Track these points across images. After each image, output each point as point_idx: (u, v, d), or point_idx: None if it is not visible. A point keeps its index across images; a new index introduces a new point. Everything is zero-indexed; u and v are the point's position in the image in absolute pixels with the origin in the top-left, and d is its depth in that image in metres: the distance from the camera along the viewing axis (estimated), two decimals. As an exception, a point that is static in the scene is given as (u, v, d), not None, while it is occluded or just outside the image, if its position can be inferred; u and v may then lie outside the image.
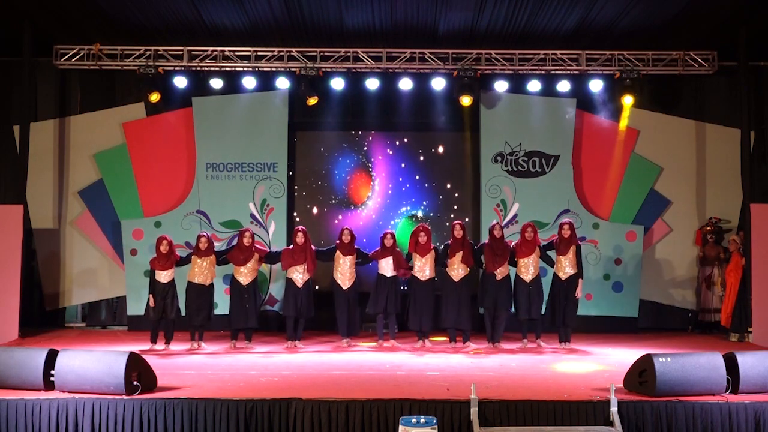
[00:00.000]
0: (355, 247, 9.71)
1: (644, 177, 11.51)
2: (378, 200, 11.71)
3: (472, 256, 9.54)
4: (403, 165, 11.74)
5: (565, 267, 9.47)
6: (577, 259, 9.49)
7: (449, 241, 9.61)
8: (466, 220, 11.50)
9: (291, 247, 9.69)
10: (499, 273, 9.43)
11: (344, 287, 9.59)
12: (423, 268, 9.58)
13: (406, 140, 11.80)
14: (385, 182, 11.72)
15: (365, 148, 11.78)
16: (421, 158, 11.78)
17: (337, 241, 9.72)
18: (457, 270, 9.52)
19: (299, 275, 9.49)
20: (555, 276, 9.56)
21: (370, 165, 11.75)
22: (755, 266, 10.05)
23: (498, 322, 9.54)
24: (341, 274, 9.62)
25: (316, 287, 9.71)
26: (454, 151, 11.81)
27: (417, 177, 11.75)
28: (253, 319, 9.53)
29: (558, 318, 9.47)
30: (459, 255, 9.48)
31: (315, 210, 11.72)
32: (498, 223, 9.70)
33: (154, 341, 9.38)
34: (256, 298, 9.62)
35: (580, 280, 9.47)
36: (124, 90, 11.59)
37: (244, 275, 9.50)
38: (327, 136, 11.80)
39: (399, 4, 9.60)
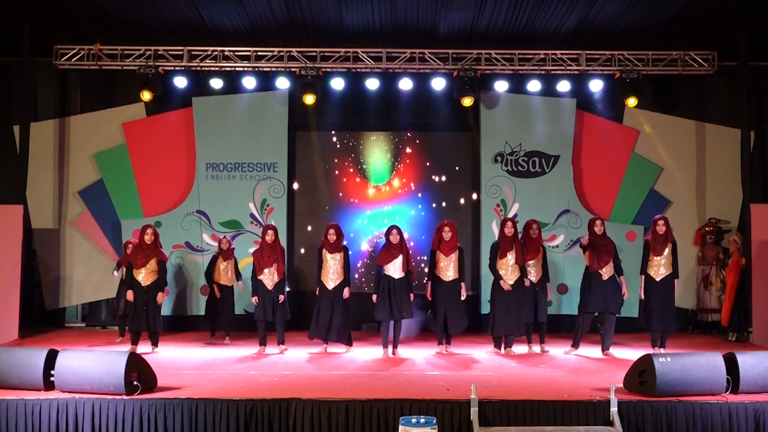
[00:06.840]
0: (343, 244, 9.09)
1: (644, 177, 11.52)
2: (378, 201, 11.71)
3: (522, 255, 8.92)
4: (402, 165, 11.75)
5: (660, 267, 8.85)
6: (673, 258, 8.82)
7: (497, 240, 9.09)
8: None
9: (260, 246, 9.26)
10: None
11: (329, 287, 8.94)
12: (447, 269, 8.91)
13: (406, 140, 11.80)
14: (385, 183, 11.72)
15: (365, 148, 11.77)
16: (421, 158, 11.78)
17: (323, 239, 9.14)
18: (512, 271, 8.89)
19: (267, 278, 9.09)
20: (648, 277, 8.89)
21: (369, 165, 11.75)
22: (755, 266, 10.06)
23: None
24: (329, 273, 8.96)
25: (288, 289, 9.23)
26: (454, 151, 11.81)
27: (417, 177, 11.75)
28: (143, 323, 8.94)
29: (656, 321, 8.86)
30: (511, 255, 8.86)
31: (314, 210, 11.72)
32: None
33: (130, 338, 9.12)
34: (154, 302, 8.95)
35: (675, 280, 8.86)
36: (124, 90, 11.59)
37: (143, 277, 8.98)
38: (327, 136, 11.81)
39: (399, 4, 9.61)
